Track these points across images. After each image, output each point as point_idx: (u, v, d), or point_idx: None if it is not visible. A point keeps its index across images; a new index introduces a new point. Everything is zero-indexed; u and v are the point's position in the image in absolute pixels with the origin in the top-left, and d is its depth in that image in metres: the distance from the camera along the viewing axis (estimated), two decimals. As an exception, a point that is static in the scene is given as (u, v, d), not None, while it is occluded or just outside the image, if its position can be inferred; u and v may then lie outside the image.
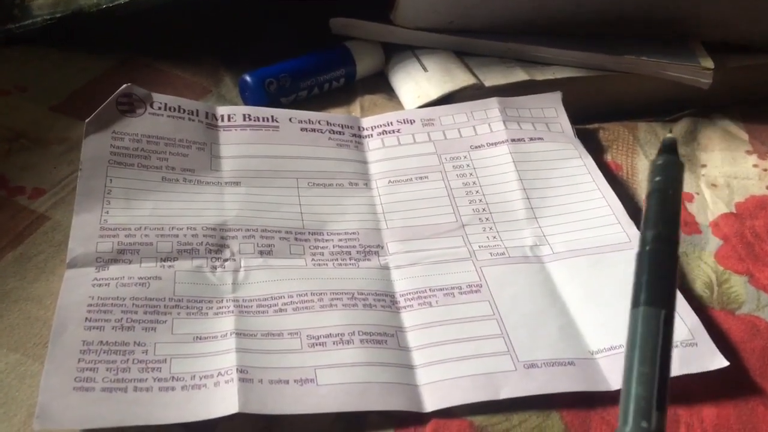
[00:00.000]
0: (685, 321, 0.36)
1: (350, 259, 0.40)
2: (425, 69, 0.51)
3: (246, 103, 0.50)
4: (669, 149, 0.29)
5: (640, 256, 0.26)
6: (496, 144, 0.47)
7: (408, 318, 0.37)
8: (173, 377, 0.33)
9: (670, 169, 0.28)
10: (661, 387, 0.24)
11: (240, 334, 0.35)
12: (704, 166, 0.48)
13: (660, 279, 0.26)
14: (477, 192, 0.44)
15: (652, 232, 0.26)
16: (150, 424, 0.31)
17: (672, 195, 0.27)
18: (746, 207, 0.45)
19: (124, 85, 0.44)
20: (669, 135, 0.30)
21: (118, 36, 0.55)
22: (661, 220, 0.27)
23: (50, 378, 0.31)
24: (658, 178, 0.28)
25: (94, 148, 0.41)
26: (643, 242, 0.27)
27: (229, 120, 0.46)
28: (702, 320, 0.36)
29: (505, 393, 0.33)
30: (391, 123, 0.48)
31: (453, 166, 0.45)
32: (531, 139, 0.47)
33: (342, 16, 0.52)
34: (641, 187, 0.46)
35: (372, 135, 0.47)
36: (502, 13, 0.51)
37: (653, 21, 0.52)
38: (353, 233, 0.41)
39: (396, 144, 0.47)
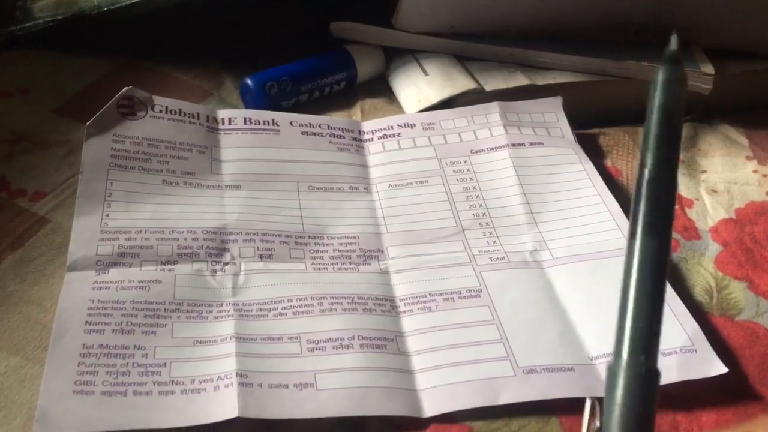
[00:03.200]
0: (684, 327, 0.36)
1: (350, 263, 0.40)
2: (426, 73, 0.51)
3: (247, 106, 0.50)
4: (672, 60, 0.27)
5: (639, 182, 0.25)
6: (496, 149, 0.47)
7: (408, 323, 0.37)
8: (173, 381, 0.33)
9: (672, 85, 0.26)
10: (656, 322, 0.23)
11: (240, 338, 0.35)
12: (704, 171, 0.48)
13: (657, 209, 0.25)
14: (477, 197, 0.44)
15: (652, 155, 0.25)
16: (149, 428, 0.31)
17: (673, 112, 0.26)
18: (746, 213, 0.45)
19: (125, 88, 0.44)
20: (672, 47, 0.27)
21: (119, 38, 0.55)
22: (661, 141, 0.25)
23: (50, 381, 0.32)
24: (658, 94, 0.26)
25: (94, 151, 0.41)
26: (642, 165, 0.25)
27: (229, 123, 0.46)
28: (701, 326, 0.36)
29: (505, 398, 0.33)
30: (392, 127, 0.48)
31: (453, 171, 0.45)
32: (531, 143, 0.47)
33: (343, 20, 0.52)
34: (641, 192, 0.46)
35: (372, 139, 0.47)
36: (503, 18, 0.51)
37: (654, 26, 0.52)
38: (353, 237, 0.41)
39: (396, 148, 0.47)
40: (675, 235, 0.43)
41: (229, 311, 0.36)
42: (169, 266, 0.38)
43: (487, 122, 0.48)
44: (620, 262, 0.39)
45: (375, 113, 0.51)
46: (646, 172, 0.25)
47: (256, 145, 0.45)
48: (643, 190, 0.25)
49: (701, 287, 0.40)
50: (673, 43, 0.27)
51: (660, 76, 0.27)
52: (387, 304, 0.38)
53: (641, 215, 0.25)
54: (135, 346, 0.34)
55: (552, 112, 0.49)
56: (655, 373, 0.23)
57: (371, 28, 0.52)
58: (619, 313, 0.24)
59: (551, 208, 0.43)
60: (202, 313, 0.36)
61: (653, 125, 0.26)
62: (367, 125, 0.48)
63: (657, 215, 0.25)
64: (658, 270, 0.24)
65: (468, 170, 0.46)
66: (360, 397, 0.33)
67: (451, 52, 0.52)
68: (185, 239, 0.39)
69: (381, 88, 0.53)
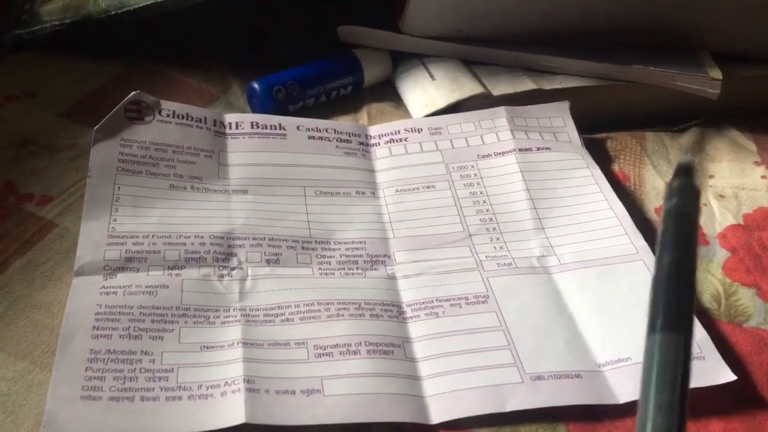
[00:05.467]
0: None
1: (357, 268, 0.40)
2: (433, 77, 0.51)
3: (254, 110, 0.50)
4: (685, 172, 0.27)
5: (656, 281, 0.25)
6: (503, 153, 0.47)
7: (414, 328, 0.37)
8: (180, 387, 0.33)
9: (687, 192, 0.27)
10: (681, 417, 0.22)
11: (247, 343, 0.35)
12: (712, 176, 0.48)
13: (678, 303, 0.24)
14: (484, 202, 0.44)
15: (669, 256, 0.25)
16: (157, 434, 0.31)
17: (690, 217, 0.26)
18: (754, 219, 0.45)
19: (133, 93, 0.44)
20: (685, 158, 0.28)
21: (127, 42, 0.55)
22: (678, 243, 0.25)
23: (58, 387, 0.32)
24: (674, 200, 0.26)
25: (102, 156, 0.42)
26: (659, 267, 0.25)
27: (237, 128, 0.46)
28: (709, 333, 0.36)
29: (512, 405, 0.33)
30: (399, 131, 0.48)
31: (460, 176, 0.45)
32: (538, 148, 0.47)
33: (350, 24, 0.52)
34: (648, 197, 0.46)
35: (379, 143, 0.47)
36: (510, 22, 0.51)
37: (661, 31, 0.52)
38: (360, 242, 0.41)
39: (403, 153, 0.47)
40: (682, 240, 0.43)
41: (236, 316, 0.36)
42: (176, 271, 0.38)
43: (495, 127, 0.48)
44: (627, 267, 0.40)
45: (382, 117, 0.51)
46: (664, 274, 0.25)
47: (263, 149, 0.45)
48: (663, 286, 0.24)
49: (709, 294, 0.40)
50: (685, 158, 0.28)
51: (674, 184, 0.27)
52: (394, 310, 0.38)
53: (661, 311, 0.24)
54: (142, 351, 0.34)
55: (559, 117, 0.49)
56: None
57: (378, 32, 0.52)
58: (641, 408, 0.23)
59: (558, 213, 0.43)
60: (209, 318, 0.36)
61: (669, 229, 0.26)
62: (374, 129, 0.48)
63: (678, 311, 0.24)
64: (680, 368, 0.23)
65: (475, 175, 0.45)
66: (367, 404, 0.33)
67: (458, 57, 0.52)
68: (192, 244, 0.39)
69: (388, 92, 0.53)
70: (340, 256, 0.40)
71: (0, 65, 0.53)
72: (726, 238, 0.43)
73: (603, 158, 0.48)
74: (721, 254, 0.42)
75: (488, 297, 0.38)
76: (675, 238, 0.25)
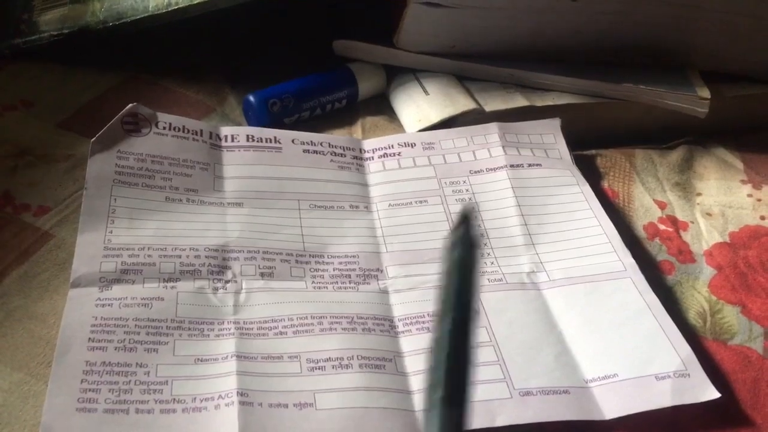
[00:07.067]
0: (678, 351, 0.37)
1: (350, 282, 0.40)
2: (427, 92, 0.52)
3: (249, 122, 0.51)
4: (465, 220, 0.25)
5: (436, 343, 0.23)
6: (495, 169, 0.47)
7: (406, 343, 0.37)
8: (174, 399, 0.33)
9: (467, 244, 0.24)
10: None
11: (240, 356, 0.35)
12: (699, 194, 0.49)
13: (456, 374, 0.22)
14: (475, 217, 0.45)
15: (449, 317, 0.23)
16: (151, 446, 0.31)
17: (468, 269, 0.24)
18: (740, 237, 0.46)
19: (130, 105, 0.44)
20: (467, 205, 0.26)
21: (124, 53, 0.55)
22: (458, 302, 0.24)
23: (53, 398, 0.32)
24: (455, 252, 0.24)
25: (99, 168, 0.42)
26: (439, 326, 0.23)
27: (232, 140, 0.46)
28: (695, 350, 0.37)
29: (501, 420, 0.34)
30: (392, 146, 0.48)
31: (452, 191, 0.46)
32: (529, 165, 0.48)
33: (345, 39, 0.53)
34: (637, 214, 0.47)
35: (373, 158, 0.48)
36: (503, 39, 0.52)
37: (651, 50, 0.53)
38: (353, 256, 0.42)
39: (397, 167, 0.47)
40: (669, 257, 0.44)
41: (230, 329, 0.37)
42: (171, 283, 0.38)
43: (486, 143, 0.49)
44: (616, 285, 0.40)
45: (376, 131, 0.52)
46: (442, 337, 0.23)
47: (258, 162, 0.46)
48: (443, 353, 0.22)
49: (695, 311, 0.41)
50: (467, 205, 0.25)
51: (455, 235, 0.24)
52: (386, 324, 0.38)
53: (439, 389, 0.22)
54: (137, 363, 0.34)
55: (550, 134, 0.50)
56: None
57: (373, 46, 0.53)
58: None
59: (548, 229, 0.44)
60: (203, 331, 0.36)
61: (451, 285, 0.23)
62: (368, 144, 0.49)
63: (454, 383, 0.22)
64: None
65: (467, 190, 0.46)
66: (358, 418, 0.33)
67: (451, 72, 0.53)
68: (187, 256, 0.39)
69: (382, 107, 0.54)
70: (334, 269, 0.41)
71: (-3, 74, 0.53)
72: (712, 256, 0.44)
73: (593, 175, 0.49)
74: (707, 272, 0.43)
75: (478, 312, 0.39)
76: (456, 296, 0.24)
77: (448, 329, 0.23)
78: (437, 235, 0.43)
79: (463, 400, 0.22)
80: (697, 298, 0.42)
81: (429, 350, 0.23)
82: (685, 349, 0.37)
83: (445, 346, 0.23)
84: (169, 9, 0.50)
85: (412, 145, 0.48)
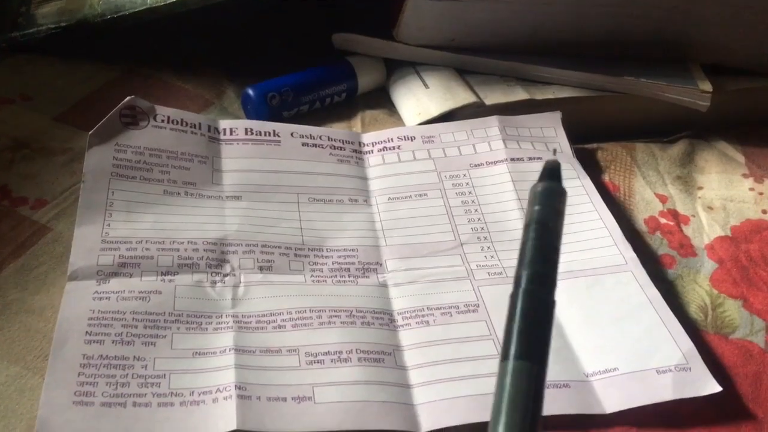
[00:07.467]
0: (679, 345, 0.36)
1: (349, 276, 0.40)
2: (426, 86, 0.51)
3: (248, 116, 0.51)
4: (551, 174, 0.25)
5: (513, 299, 0.22)
6: (495, 163, 0.47)
7: (405, 337, 0.37)
8: (172, 393, 0.33)
9: (551, 198, 0.24)
10: None
11: (239, 350, 0.35)
12: (701, 188, 0.49)
13: (533, 329, 0.22)
14: (476, 211, 0.44)
15: (528, 271, 0.23)
16: (149, 440, 0.31)
17: (552, 228, 0.24)
18: (741, 230, 0.45)
19: (128, 98, 0.44)
20: (551, 158, 0.26)
21: (122, 46, 0.55)
22: (538, 257, 0.23)
23: (50, 392, 0.32)
24: (537, 207, 0.24)
25: (96, 161, 0.42)
26: (516, 283, 0.23)
27: (231, 134, 0.46)
28: (696, 344, 0.37)
29: (501, 414, 0.34)
30: (392, 139, 0.48)
31: (452, 184, 0.46)
32: (530, 158, 0.47)
33: (345, 32, 0.53)
34: (638, 208, 0.47)
35: (372, 151, 0.48)
36: (504, 32, 0.52)
37: (653, 43, 0.53)
38: (352, 250, 0.42)
39: (396, 161, 0.47)
40: (671, 251, 0.44)
41: (228, 323, 0.36)
42: (169, 277, 0.38)
43: (487, 136, 0.48)
44: (616, 278, 0.40)
45: (375, 125, 0.51)
46: (521, 291, 0.22)
47: (257, 156, 0.45)
48: (518, 307, 0.22)
49: (696, 305, 0.40)
50: (552, 157, 0.26)
51: (538, 188, 0.24)
52: (385, 318, 0.38)
53: (515, 335, 0.22)
54: (135, 357, 0.34)
55: (551, 127, 0.49)
56: None
57: (373, 39, 0.53)
58: None
59: (549, 223, 0.44)
60: (201, 324, 0.36)
61: (530, 241, 0.23)
62: (367, 137, 0.49)
63: (533, 337, 0.22)
64: (531, 403, 0.21)
65: (467, 184, 0.46)
66: (357, 411, 0.33)
67: (451, 65, 0.53)
68: (185, 250, 0.39)
69: (382, 100, 0.54)
70: (333, 263, 0.41)
71: (-5, 67, 0.53)
72: (714, 250, 0.44)
73: (593, 168, 0.49)
74: (708, 265, 0.43)
75: (479, 306, 0.39)
76: (535, 252, 0.23)
77: (526, 277, 0.23)
78: (437, 228, 0.43)
79: (540, 358, 0.22)
80: (699, 292, 0.41)
81: (509, 302, 0.22)
82: (687, 343, 0.37)
83: (518, 302, 0.22)
84: (168, 1, 0.49)
85: (412, 139, 0.48)
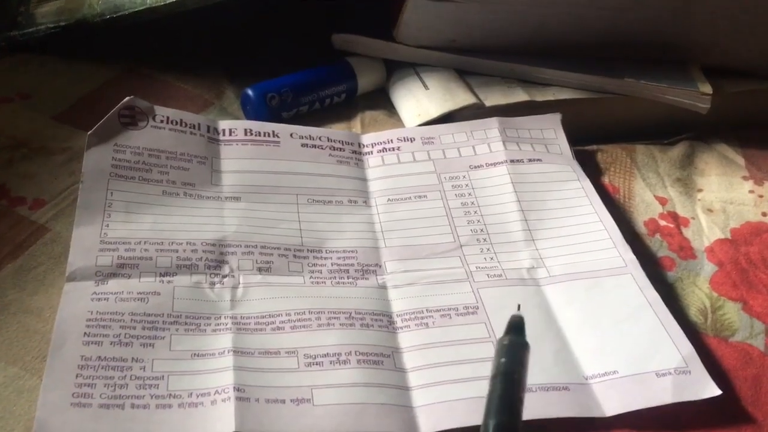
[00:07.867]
0: (679, 348, 0.36)
1: (348, 277, 0.40)
2: (426, 87, 0.51)
3: (247, 116, 0.51)
4: (516, 329, 0.28)
5: None
6: (495, 164, 0.47)
7: (404, 339, 0.37)
8: (170, 394, 0.33)
9: (516, 351, 0.27)
10: None
11: (237, 351, 0.35)
12: (701, 190, 0.49)
13: None
14: (475, 212, 0.44)
15: (494, 421, 0.25)
16: (147, 442, 0.31)
17: (517, 380, 0.26)
18: (741, 233, 0.45)
19: (127, 98, 0.44)
20: (516, 313, 0.29)
21: (121, 46, 0.55)
22: (504, 408, 0.26)
23: (48, 393, 0.32)
24: (503, 360, 0.27)
25: (95, 161, 0.42)
26: (485, 428, 0.25)
27: (230, 134, 0.46)
28: (695, 347, 0.37)
29: (500, 417, 0.33)
30: (392, 141, 0.48)
31: (452, 186, 0.46)
32: (530, 160, 0.47)
33: (345, 32, 0.53)
34: (637, 210, 0.47)
35: (372, 152, 0.48)
36: (504, 34, 0.51)
37: (653, 45, 0.53)
38: (352, 251, 0.41)
39: (396, 162, 0.47)
40: (670, 253, 0.44)
41: (227, 324, 0.36)
42: (167, 278, 0.38)
43: (486, 138, 0.48)
44: (616, 281, 0.40)
45: (375, 126, 0.51)
46: None
47: (256, 156, 0.45)
48: None
49: (696, 307, 0.40)
50: (516, 313, 0.29)
51: (504, 341, 0.27)
52: (384, 320, 0.38)
53: None
54: (133, 358, 0.34)
55: (551, 129, 0.49)
56: None
57: (372, 40, 0.52)
58: None
59: (548, 225, 0.44)
60: (200, 325, 0.36)
61: (497, 391, 0.26)
62: (367, 138, 0.48)
63: None
64: None
65: (467, 186, 0.46)
66: (356, 414, 0.33)
67: (451, 67, 0.53)
68: (184, 251, 0.39)
69: (381, 101, 0.54)
70: (332, 265, 0.40)
71: (-6, 67, 0.53)
72: (713, 252, 0.44)
73: (593, 170, 0.49)
74: (708, 268, 0.43)
75: (478, 308, 0.39)
76: (502, 402, 0.26)
77: (493, 426, 0.25)
78: (436, 230, 0.43)
79: None
80: (698, 294, 0.41)
81: None
82: (686, 345, 0.37)
83: None
84: (167, 1, 0.49)
85: (412, 140, 0.48)
